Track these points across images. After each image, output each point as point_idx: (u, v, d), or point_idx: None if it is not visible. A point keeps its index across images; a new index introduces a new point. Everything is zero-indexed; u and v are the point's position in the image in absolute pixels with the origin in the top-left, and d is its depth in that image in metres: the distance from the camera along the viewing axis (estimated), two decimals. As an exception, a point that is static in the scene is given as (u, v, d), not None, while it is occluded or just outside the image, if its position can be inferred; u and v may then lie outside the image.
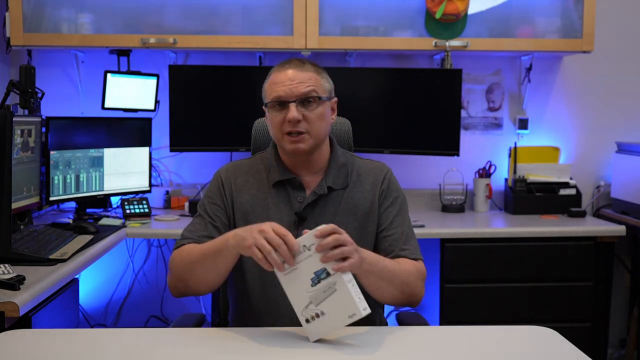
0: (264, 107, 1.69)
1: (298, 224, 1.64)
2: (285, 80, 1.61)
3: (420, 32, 3.03)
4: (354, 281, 1.37)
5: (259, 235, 1.37)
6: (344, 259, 1.37)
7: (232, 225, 1.68)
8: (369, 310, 1.35)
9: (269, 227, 1.38)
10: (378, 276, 1.51)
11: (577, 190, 3.19)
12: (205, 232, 1.64)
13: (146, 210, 2.98)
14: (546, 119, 3.38)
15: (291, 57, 1.69)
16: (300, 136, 1.61)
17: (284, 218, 1.64)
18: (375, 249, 1.68)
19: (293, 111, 1.59)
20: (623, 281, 3.33)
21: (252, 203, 1.68)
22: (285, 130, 1.61)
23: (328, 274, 1.36)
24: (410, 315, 1.85)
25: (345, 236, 1.38)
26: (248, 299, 1.66)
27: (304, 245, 1.37)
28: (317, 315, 1.37)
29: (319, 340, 1.40)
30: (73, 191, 2.84)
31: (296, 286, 1.39)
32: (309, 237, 1.37)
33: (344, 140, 1.95)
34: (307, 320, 1.39)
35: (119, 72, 3.06)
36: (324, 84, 1.66)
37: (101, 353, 1.37)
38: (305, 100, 1.61)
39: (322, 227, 1.36)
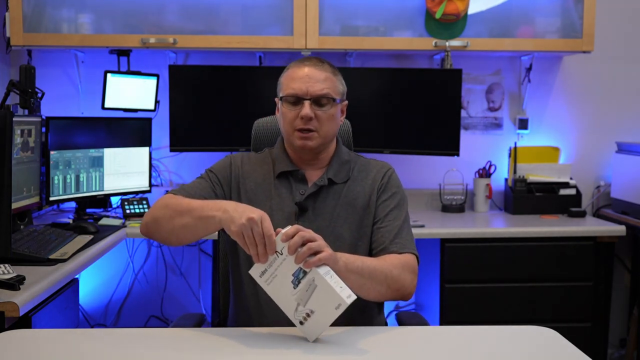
0: (277, 99, 1.72)
1: (299, 215, 1.66)
2: (303, 77, 1.65)
3: (420, 32, 3.03)
4: (331, 273, 1.38)
5: (247, 224, 1.36)
6: (315, 254, 1.37)
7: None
8: (354, 297, 1.35)
9: (260, 219, 1.37)
10: (358, 274, 1.51)
11: (577, 190, 3.19)
12: (202, 192, 1.66)
13: (146, 210, 2.97)
14: (546, 119, 3.38)
15: (311, 56, 1.72)
16: (310, 134, 1.65)
17: (286, 209, 1.67)
18: (369, 242, 1.69)
19: (307, 108, 1.63)
20: (623, 281, 3.33)
21: (256, 191, 1.70)
22: (297, 126, 1.65)
23: (305, 273, 1.37)
24: (410, 315, 1.86)
25: (311, 233, 1.39)
26: (248, 299, 1.67)
27: (277, 251, 1.38)
28: (308, 315, 1.38)
29: (318, 340, 1.40)
30: (73, 191, 2.84)
31: (281, 292, 1.40)
32: (277, 242, 1.37)
33: (344, 140, 1.95)
34: (301, 322, 1.39)
35: (119, 72, 3.06)
36: (339, 86, 1.70)
37: (101, 353, 1.37)
38: (319, 100, 1.65)
39: (286, 230, 1.37)
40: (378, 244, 1.67)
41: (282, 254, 1.38)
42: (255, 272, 1.41)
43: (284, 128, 1.70)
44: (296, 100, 1.65)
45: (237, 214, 1.40)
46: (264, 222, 1.37)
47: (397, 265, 1.59)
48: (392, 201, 1.71)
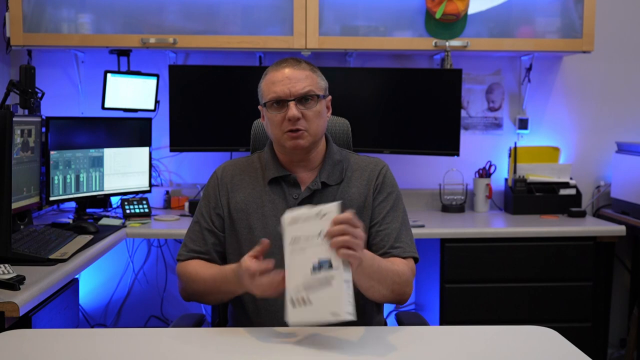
0: (260, 107, 1.71)
1: None
2: (284, 79, 1.63)
3: (420, 32, 3.03)
4: (351, 283, 1.36)
5: (255, 286, 1.45)
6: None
7: (227, 224, 1.70)
8: (353, 317, 1.33)
9: (247, 273, 1.45)
10: (370, 277, 1.52)
11: (577, 190, 3.19)
12: (202, 240, 1.71)
13: (146, 210, 2.98)
14: (546, 119, 3.38)
15: (286, 57, 1.71)
16: (300, 133, 1.63)
17: (279, 214, 1.62)
18: (368, 244, 1.69)
19: (293, 109, 1.62)
20: (623, 281, 3.33)
21: (247, 202, 1.70)
22: (285, 129, 1.64)
23: (330, 267, 1.35)
24: (410, 315, 1.85)
25: (357, 230, 1.37)
26: (248, 299, 1.67)
27: (324, 215, 1.36)
28: (303, 302, 1.36)
29: (318, 340, 1.40)
30: (73, 191, 2.84)
31: (297, 265, 1.38)
32: (322, 223, 1.36)
33: (343, 140, 1.95)
34: (292, 303, 1.37)
35: (119, 72, 3.06)
36: (320, 82, 1.69)
37: (101, 353, 1.37)
38: (303, 99, 1.63)
39: (339, 216, 1.36)
40: (378, 247, 1.66)
41: (320, 236, 1.36)
42: (289, 233, 1.39)
43: (272, 133, 1.68)
44: (281, 103, 1.63)
45: (246, 286, 1.48)
46: (247, 266, 1.44)
47: (404, 272, 1.61)
48: (388, 202, 1.71)
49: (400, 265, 1.62)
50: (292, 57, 1.71)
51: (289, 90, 1.62)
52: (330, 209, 1.37)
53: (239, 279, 1.49)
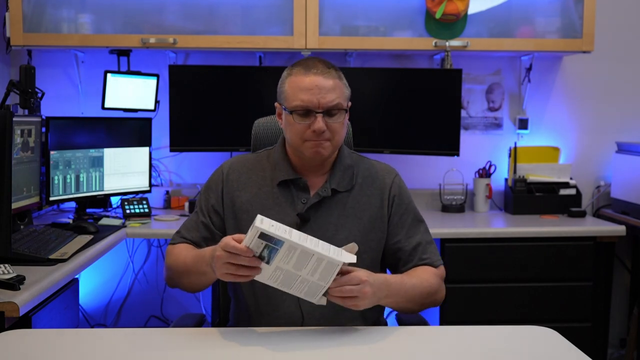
0: (277, 104, 1.67)
1: (300, 225, 1.62)
2: (313, 88, 1.57)
3: (420, 32, 3.03)
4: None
5: (220, 265, 1.38)
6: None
7: (227, 222, 1.69)
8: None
9: (221, 250, 1.38)
10: (398, 301, 1.57)
11: (577, 190, 3.19)
12: (196, 232, 1.70)
13: (146, 210, 2.98)
14: (546, 119, 3.38)
15: (313, 58, 1.65)
16: (322, 143, 1.61)
17: (286, 219, 1.60)
18: (394, 259, 1.70)
19: (320, 122, 1.57)
20: (623, 281, 3.33)
21: (252, 202, 1.67)
22: (307, 138, 1.60)
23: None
24: (410, 315, 1.85)
25: (359, 288, 1.41)
26: (248, 298, 1.66)
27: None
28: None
29: (318, 340, 1.40)
30: (73, 191, 2.84)
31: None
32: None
33: (345, 140, 1.94)
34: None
35: (119, 72, 3.06)
36: (346, 92, 1.64)
37: (101, 353, 1.37)
38: (330, 111, 1.59)
39: (352, 274, 1.41)
40: (407, 261, 1.67)
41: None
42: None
43: (291, 139, 1.63)
44: (306, 112, 1.58)
45: (214, 264, 1.42)
46: (225, 246, 1.36)
47: (434, 281, 1.63)
48: (408, 215, 1.71)
49: (428, 274, 1.64)
50: (319, 59, 1.64)
51: (318, 101, 1.57)
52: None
53: (212, 253, 1.44)
